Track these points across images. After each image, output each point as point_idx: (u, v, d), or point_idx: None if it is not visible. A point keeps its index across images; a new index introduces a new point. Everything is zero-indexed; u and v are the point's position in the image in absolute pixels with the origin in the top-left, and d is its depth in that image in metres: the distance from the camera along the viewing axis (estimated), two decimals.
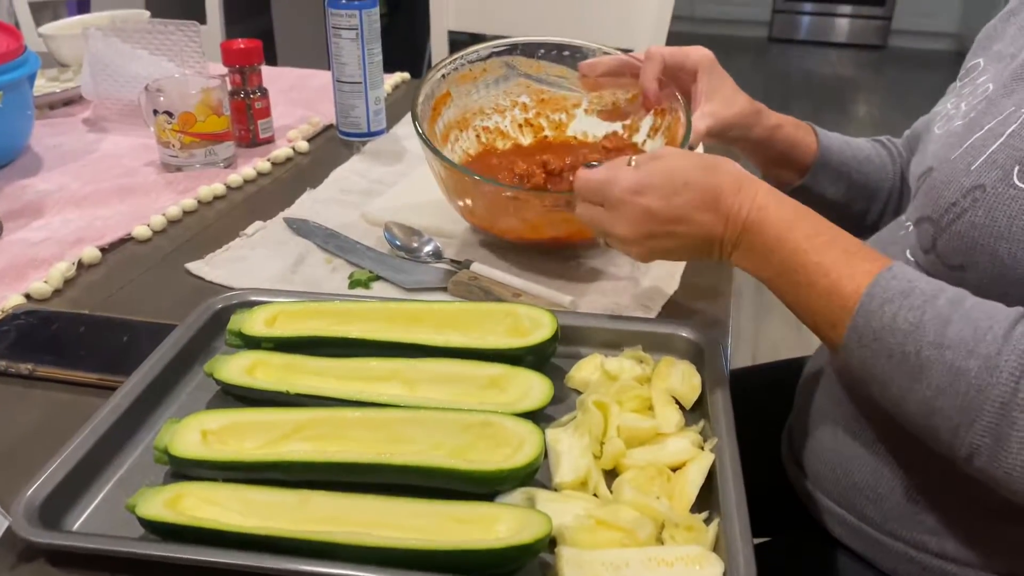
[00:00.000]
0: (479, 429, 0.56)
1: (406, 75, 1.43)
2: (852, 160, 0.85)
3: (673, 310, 0.77)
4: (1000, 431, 0.49)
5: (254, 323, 0.67)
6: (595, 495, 0.54)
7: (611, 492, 0.54)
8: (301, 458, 0.55)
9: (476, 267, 0.80)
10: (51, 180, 1.03)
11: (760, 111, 0.83)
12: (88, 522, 0.53)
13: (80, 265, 0.84)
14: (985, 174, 0.56)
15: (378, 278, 0.81)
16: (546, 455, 0.56)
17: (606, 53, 0.90)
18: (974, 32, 0.76)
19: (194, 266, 0.84)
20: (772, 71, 4.60)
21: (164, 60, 1.17)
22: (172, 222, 0.94)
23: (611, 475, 0.56)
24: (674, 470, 0.56)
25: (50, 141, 1.15)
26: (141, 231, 0.90)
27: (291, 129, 1.18)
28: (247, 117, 1.11)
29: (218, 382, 0.63)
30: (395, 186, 1.00)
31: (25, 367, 0.67)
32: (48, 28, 1.40)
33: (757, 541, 0.50)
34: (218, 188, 0.99)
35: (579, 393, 0.64)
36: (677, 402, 0.62)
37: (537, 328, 0.65)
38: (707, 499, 0.54)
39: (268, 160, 1.08)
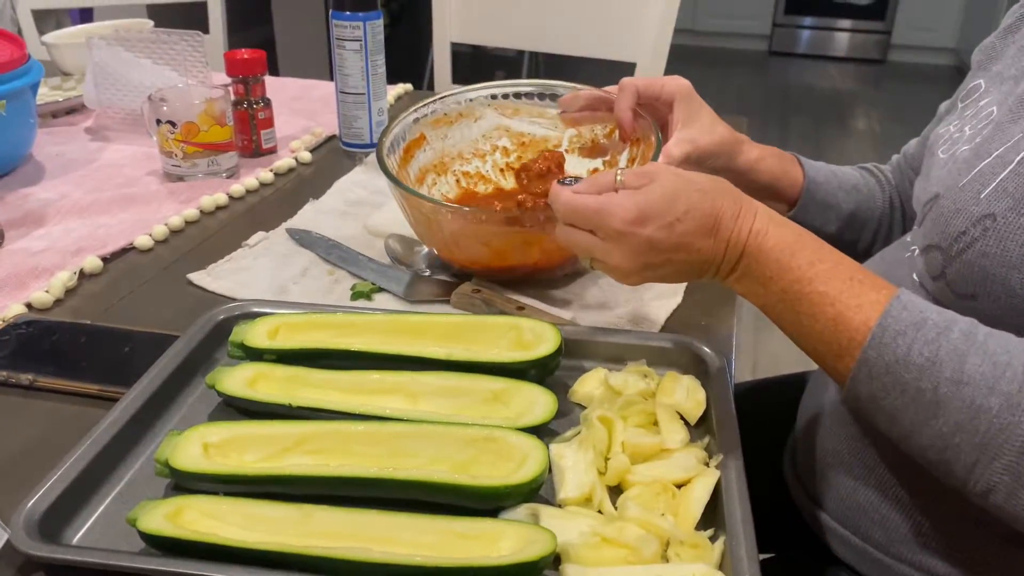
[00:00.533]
0: (482, 444, 0.56)
1: (408, 86, 1.43)
2: (839, 190, 0.84)
3: (676, 324, 0.77)
4: (1020, 469, 0.48)
5: (256, 335, 0.66)
6: (600, 512, 0.54)
7: (615, 509, 0.54)
8: (303, 472, 0.54)
9: (478, 280, 0.80)
10: (53, 189, 1.03)
11: (742, 141, 0.81)
12: (88, 535, 0.53)
13: (81, 274, 0.84)
14: (995, 203, 0.55)
15: (380, 290, 0.81)
16: (550, 470, 0.56)
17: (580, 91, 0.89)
18: (973, 47, 0.75)
19: (196, 276, 0.83)
20: (772, 85, 4.62)
21: (167, 70, 1.18)
22: (174, 232, 0.93)
23: (615, 491, 0.56)
24: (679, 487, 0.55)
25: (52, 150, 1.15)
26: (143, 241, 0.90)
27: (294, 139, 1.18)
28: (250, 127, 1.11)
29: (220, 394, 0.62)
30: None
31: (26, 377, 0.67)
32: (51, 37, 1.40)
33: (760, 558, 0.49)
34: (220, 198, 0.99)
35: (582, 408, 0.63)
36: (682, 417, 0.62)
37: (541, 342, 0.65)
38: (712, 516, 0.53)
39: (271, 170, 1.08)
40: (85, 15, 2.43)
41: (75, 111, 1.29)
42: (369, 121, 1.11)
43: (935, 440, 0.51)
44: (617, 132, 0.86)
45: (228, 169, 1.06)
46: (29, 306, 0.78)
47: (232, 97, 1.10)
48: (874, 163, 0.90)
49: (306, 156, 1.13)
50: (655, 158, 0.77)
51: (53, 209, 0.98)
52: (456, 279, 0.81)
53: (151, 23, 1.43)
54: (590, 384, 0.65)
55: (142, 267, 0.87)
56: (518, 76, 3.88)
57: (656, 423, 0.61)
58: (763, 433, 0.80)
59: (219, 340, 0.70)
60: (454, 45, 1.66)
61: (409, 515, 0.51)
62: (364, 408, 0.60)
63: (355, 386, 0.63)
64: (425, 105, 0.90)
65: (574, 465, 0.56)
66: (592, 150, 0.91)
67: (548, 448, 0.55)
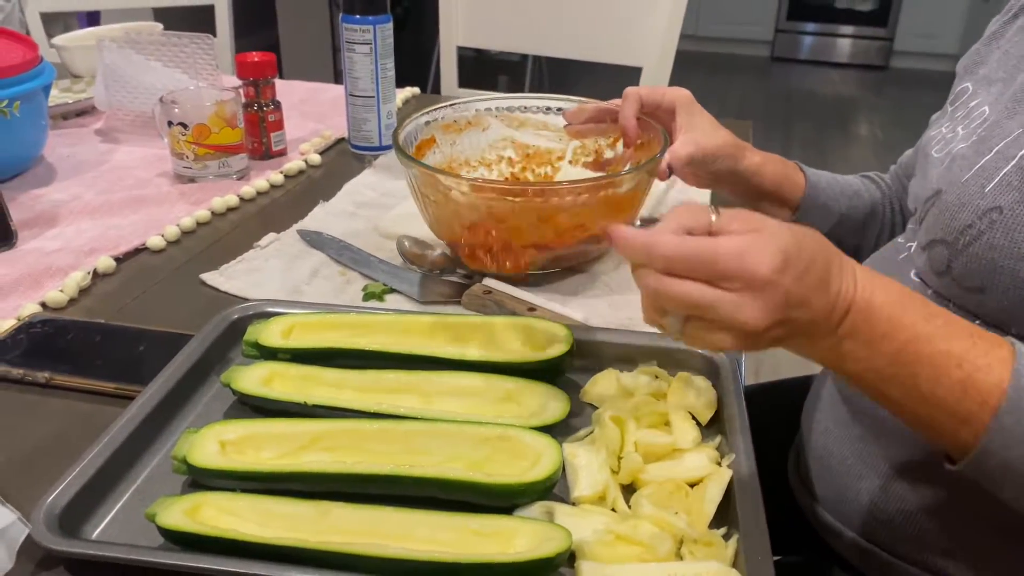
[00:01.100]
0: (497, 442, 0.56)
1: (416, 89, 1.44)
2: (841, 195, 0.85)
3: None
4: None
5: (271, 334, 0.67)
6: (613, 510, 0.54)
7: (629, 507, 0.55)
8: (320, 469, 0.55)
9: (489, 281, 0.80)
10: (65, 190, 1.04)
11: (744, 147, 0.83)
12: (107, 531, 0.53)
13: (95, 274, 0.84)
14: (1001, 196, 0.56)
15: (392, 291, 0.81)
16: (563, 469, 0.56)
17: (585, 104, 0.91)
18: None
19: (208, 277, 0.84)
20: (774, 90, 4.62)
21: (177, 72, 1.18)
22: (186, 233, 0.94)
23: (628, 490, 0.56)
24: (691, 486, 0.56)
25: (64, 151, 1.15)
26: (155, 241, 0.90)
27: (303, 142, 1.19)
28: (260, 130, 1.12)
29: (235, 392, 0.63)
30: (407, 199, 1.00)
31: (42, 375, 0.67)
32: (61, 39, 1.41)
33: None
34: (231, 200, 1.00)
35: (594, 408, 0.64)
36: (693, 418, 0.62)
37: (553, 342, 0.65)
38: (724, 515, 0.54)
39: (281, 172, 1.09)
40: (92, 18, 2.44)
41: (85, 113, 1.29)
42: (378, 124, 1.12)
43: None
44: (621, 140, 0.88)
45: (239, 171, 1.07)
46: (44, 305, 0.78)
47: (242, 99, 1.10)
48: (875, 172, 0.91)
49: (316, 158, 1.13)
50: (661, 155, 0.79)
51: (65, 210, 0.98)
52: (467, 280, 0.82)
53: (161, 26, 1.44)
54: (602, 384, 0.65)
55: (154, 267, 0.87)
56: (521, 80, 3.88)
57: (668, 423, 0.61)
58: (767, 436, 0.80)
59: (233, 339, 0.70)
60: (460, 49, 1.67)
61: (425, 512, 0.52)
62: (379, 407, 0.61)
63: (369, 385, 0.64)
64: (437, 109, 0.91)
65: (587, 464, 0.57)
66: (596, 163, 0.93)
67: (562, 447, 0.56)
